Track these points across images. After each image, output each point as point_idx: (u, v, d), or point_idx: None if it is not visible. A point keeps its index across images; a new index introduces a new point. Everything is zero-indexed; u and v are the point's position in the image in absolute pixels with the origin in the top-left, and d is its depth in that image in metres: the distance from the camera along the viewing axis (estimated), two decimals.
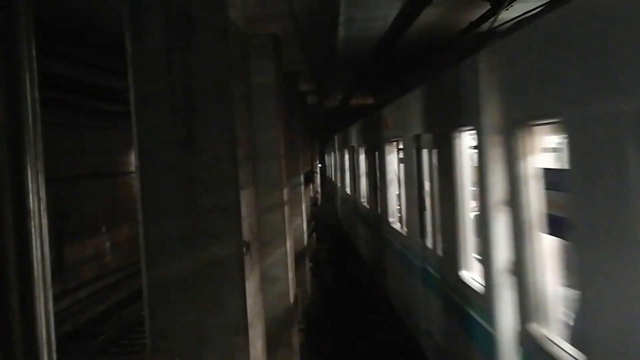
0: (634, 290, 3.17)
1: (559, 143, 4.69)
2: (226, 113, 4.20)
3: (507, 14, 6.57)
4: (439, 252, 7.61)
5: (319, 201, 32.14)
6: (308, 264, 14.99)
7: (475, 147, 6.01)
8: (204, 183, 4.20)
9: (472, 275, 6.38)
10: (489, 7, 7.89)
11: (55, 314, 2.52)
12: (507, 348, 5.13)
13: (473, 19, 8.85)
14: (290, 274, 8.80)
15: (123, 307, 14.91)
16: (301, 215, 14.36)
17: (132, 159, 4.63)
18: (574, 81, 3.77)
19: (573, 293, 4.57)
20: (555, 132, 4.42)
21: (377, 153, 13.58)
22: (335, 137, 31.30)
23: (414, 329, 9.62)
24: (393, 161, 12.45)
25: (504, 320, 5.19)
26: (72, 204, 15.29)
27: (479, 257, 6.11)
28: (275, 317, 8.18)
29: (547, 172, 4.63)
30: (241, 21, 4.72)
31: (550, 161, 4.86)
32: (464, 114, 6.21)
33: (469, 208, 6.69)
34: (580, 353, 3.87)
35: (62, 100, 13.01)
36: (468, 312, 6.24)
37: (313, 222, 22.82)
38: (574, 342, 4.16)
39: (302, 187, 15.21)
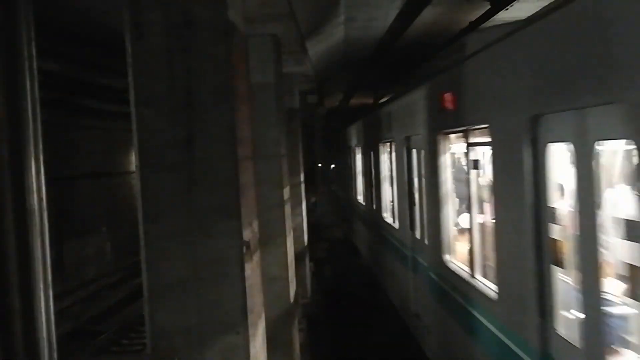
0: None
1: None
2: (226, 113, 4.21)
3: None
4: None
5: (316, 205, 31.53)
6: (308, 263, 14.99)
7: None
8: (204, 183, 4.21)
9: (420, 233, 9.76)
10: (489, 7, 7.91)
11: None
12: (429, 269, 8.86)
13: (473, 19, 8.87)
14: (290, 273, 8.81)
15: None
16: (301, 214, 14.37)
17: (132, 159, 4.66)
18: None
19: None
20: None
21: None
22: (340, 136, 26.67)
23: None
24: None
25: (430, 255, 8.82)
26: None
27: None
28: (276, 316, 8.19)
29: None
30: (241, 21, 4.73)
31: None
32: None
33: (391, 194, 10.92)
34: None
35: (62, 100, 13.01)
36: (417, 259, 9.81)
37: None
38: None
39: (303, 186, 15.21)
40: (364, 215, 17.36)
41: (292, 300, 8.71)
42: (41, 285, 2.35)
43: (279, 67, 8.64)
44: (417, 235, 9.61)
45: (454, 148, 7.89)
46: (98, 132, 17.61)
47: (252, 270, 4.48)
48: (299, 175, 14.78)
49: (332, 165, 41.53)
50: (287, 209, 9.02)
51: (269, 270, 8.14)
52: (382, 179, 13.42)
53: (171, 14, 4.17)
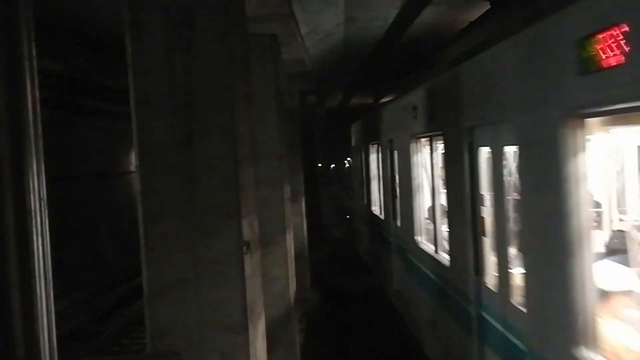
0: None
1: None
2: (226, 113, 4.21)
3: None
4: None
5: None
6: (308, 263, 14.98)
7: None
8: (204, 183, 4.21)
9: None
10: (489, 7, 7.90)
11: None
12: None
13: (473, 19, 8.86)
14: (291, 273, 8.81)
15: None
16: (301, 214, 14.37)
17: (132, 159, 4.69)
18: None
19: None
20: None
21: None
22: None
23: None
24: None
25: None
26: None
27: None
28: (276, 316, 8.19)
29: None
30: (241, 21, 4.73)
31: None
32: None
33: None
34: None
35: (61, 99, 13.01)
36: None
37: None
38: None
39: (303, 186, 15.22)
40: (382, 230, 13.58)
41: (292, 300, 8.71)
42: (41, 285, 2.35)
43: (279, 67, 8.64)
44: (493, 286, 6.07)
45: (607, 144, 4.88)
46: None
47: (252, 270, 4.48)
48: (299, 175, 14.78)
49: (332, 165, 41.52)
50: (287, 208, 9.02)
51: (269, 270, 8.14)
52: (414, 189, 9.65)
53: (171, 13, 4.17)
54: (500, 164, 5.71)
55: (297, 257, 11.20)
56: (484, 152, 6.24)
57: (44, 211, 2.37)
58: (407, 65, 13.42)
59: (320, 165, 34.40)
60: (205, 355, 4.22)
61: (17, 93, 2.31)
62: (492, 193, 6.05)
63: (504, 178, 5.68)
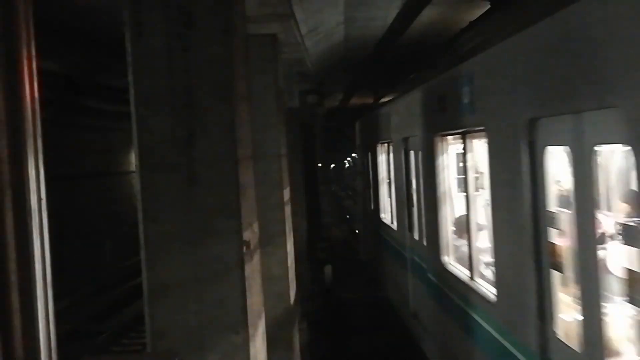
0: None
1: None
2: (226, 113, 4.21)
3: None
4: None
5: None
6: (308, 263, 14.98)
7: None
8: (204, 183, 4.21)
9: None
10: (489, 7, 7.91)
11: None
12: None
13: (473, 19, 8.86)
14: (291, 274, 8.81)
15: None
16: (301, 214, 14.37)
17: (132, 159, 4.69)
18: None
19: None
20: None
21: None
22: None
23: None
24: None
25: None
26: None
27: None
28: (276, 316, 8.18)
29: None
30: (241, 21, 4.73)
31: None
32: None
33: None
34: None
35: (61, 99, 13.01)
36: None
37: None
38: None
39: (303, 186, 15.22)
40: (393, 241, 12.20)
41: (292, 300, 8.71)
42: (41, 286, 2.35)
43: (279, 67, 8.64)
44: (571, 341, 4.49)
45: None
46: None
47: (252, 270, 4.48)
48: (299, 175, 14.79)
49: (332, 165, 41.55)
50: (288, 209, 9.02)
51: (269, 270, 8.14)
52: (439, 198, 8.13)
53: (171, 13, 4.17)
54: (589, 170, 4.02)
55: (296, 258, 11.19)
56: (555, 154, 4.69)
57: (44, 211, 2.37)
58: (407, 65, 13.41)
59: (320, 165, 34.42)
60: (205, 355, 4.21)
61: (16, 93, 2.31)
62: (572, 212, 4.36)
63: (596, 191, 4.09)
